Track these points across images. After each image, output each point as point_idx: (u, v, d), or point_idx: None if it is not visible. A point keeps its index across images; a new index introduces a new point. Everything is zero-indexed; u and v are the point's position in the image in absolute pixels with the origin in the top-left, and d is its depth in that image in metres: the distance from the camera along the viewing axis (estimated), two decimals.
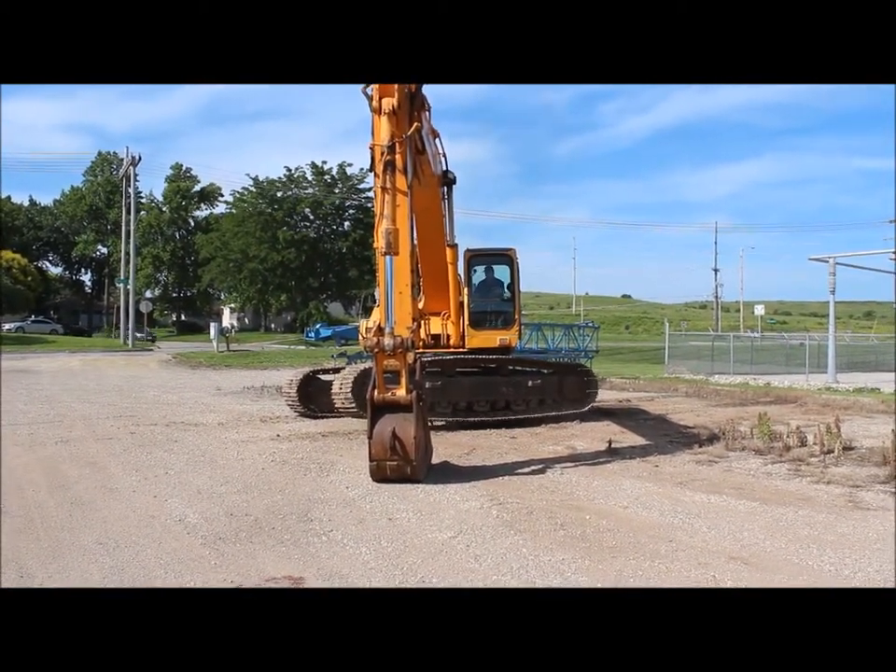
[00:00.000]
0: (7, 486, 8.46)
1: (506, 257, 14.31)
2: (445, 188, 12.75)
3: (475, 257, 14.16)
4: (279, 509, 7.49)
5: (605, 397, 16.79)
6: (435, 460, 10.04)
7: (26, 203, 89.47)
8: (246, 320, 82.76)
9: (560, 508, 7.62)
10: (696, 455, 10.74)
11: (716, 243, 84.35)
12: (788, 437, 11.50)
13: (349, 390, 12.09)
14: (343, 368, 15.71)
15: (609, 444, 11.19)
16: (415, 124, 9.08)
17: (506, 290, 14.36)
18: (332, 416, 13.60)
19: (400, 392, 8.57)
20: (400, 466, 8.39)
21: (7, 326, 60.92)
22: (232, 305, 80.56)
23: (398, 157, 8.80)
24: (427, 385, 10.43)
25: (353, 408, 12.11)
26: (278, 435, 12.22)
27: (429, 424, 9.64)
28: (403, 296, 8.83)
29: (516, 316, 14.04)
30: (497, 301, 14.27)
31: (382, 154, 8.73)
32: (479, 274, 14.43)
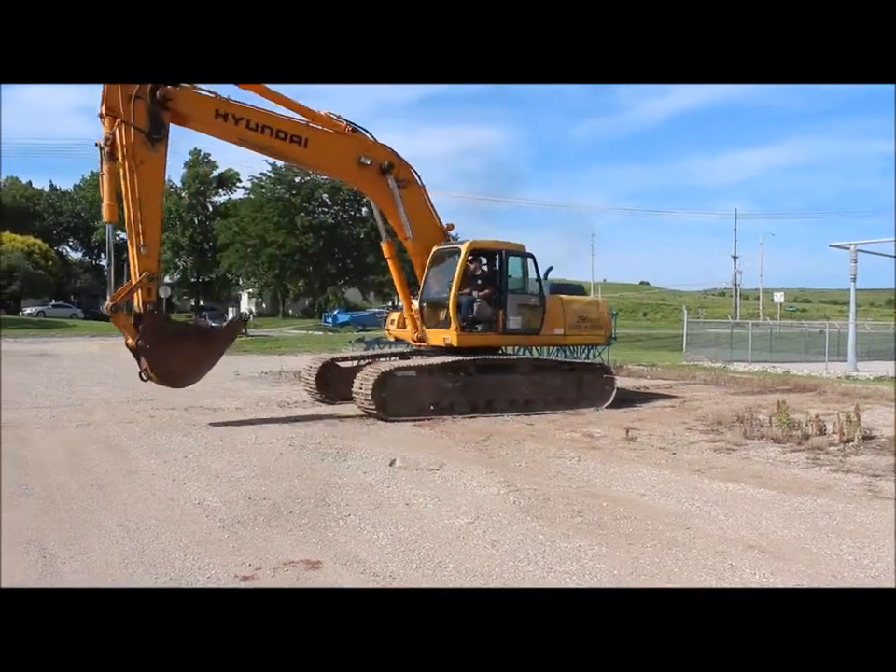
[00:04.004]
0: (31, 468, 8.57)
1: (457, 251, 13.77)
2: (390, 179, 13.44)
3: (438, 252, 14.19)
4: (297, 493, 7.54)
5: (623, 384, 16.72)
6: (453, 445, 10.11)
7: (47, 189, 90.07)
8: (264, 305, 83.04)
9: (577, 495, 7.62)
10: (714, 443, 10.70)
11: (735, 230, 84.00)
12: (807, 425, 11.44)
13: (369, 392, 12.06)
14: (362, 355, 15.77)
15: (627, 432, 11.18)
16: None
17: (449, 287, 13.60)
18: (350, 402, 13.61)
19: (129, 341, 11.43)
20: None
21: (28, 310, 61.47)
22: (250, 290, 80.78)
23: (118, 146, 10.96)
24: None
25: (373, 409, 12.10)
26: (296, 419, 12.28)
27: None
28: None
29: (450, 314, 13.30)
30: (443, 298, 13.65)
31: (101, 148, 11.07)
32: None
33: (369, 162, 13.24)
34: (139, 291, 11.17)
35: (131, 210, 11.05)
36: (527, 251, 14.40)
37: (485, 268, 14.15)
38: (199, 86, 11.68)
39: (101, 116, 11.12)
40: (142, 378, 11.91)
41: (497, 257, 14.07)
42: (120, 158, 10.95)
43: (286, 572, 5.29)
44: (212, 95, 11.78)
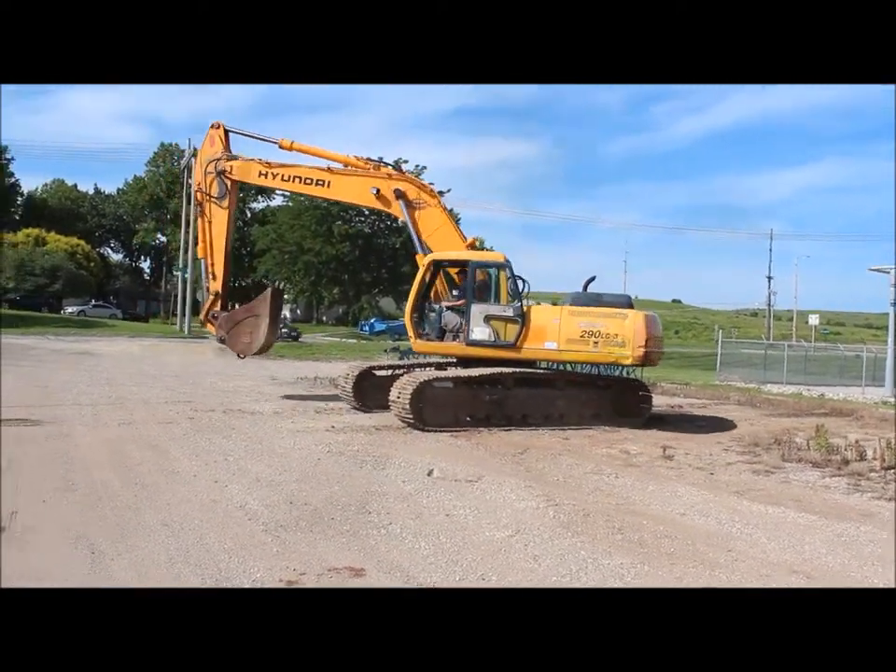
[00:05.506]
0: (76, 464, 8.73)
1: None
2: (401, 204, 15.27)
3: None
4: (337, 499, 7.60)
5: (657, 402, 16.57)
6: (490, 458, 10.13)
7: (91, 192, 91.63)
8: (298, 312, 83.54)
9: (616, 511, 7.60)
10: (752, 465, 10.61)
11: (770, 250, 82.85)
12: (846, 450, 11.29)
13: (407, 401, 12.10)
14: (398, 364, 15.84)
15: (664, 450, 11.11)
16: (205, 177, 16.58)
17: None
18: (385, 411, 13.64)
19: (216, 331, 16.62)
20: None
21: (69, 309, 62.41)
22: (286, 297, 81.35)
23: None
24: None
25: (410, 418, 12.14)
26: (333, 426, 12.35)
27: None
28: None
29: (406, 322, 14.69)
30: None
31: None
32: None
33: (375, 192, 15.49)
34: (210, 304, 16.65)
35: (206, 248, 16.61)
36: (501, 262, 14.17)
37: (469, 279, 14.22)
38: (244, 155, 16.67)
39: (195, 191, 17.87)
40: (240, 357, 17.38)
41: (466, 268, 14.15)
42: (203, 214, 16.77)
43: (330, 578, 5.34)
44: (256, 160, 16.34)
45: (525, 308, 13.74)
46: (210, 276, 16.64)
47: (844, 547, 6.75)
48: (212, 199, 16.37)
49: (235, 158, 16.45)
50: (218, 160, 16.25)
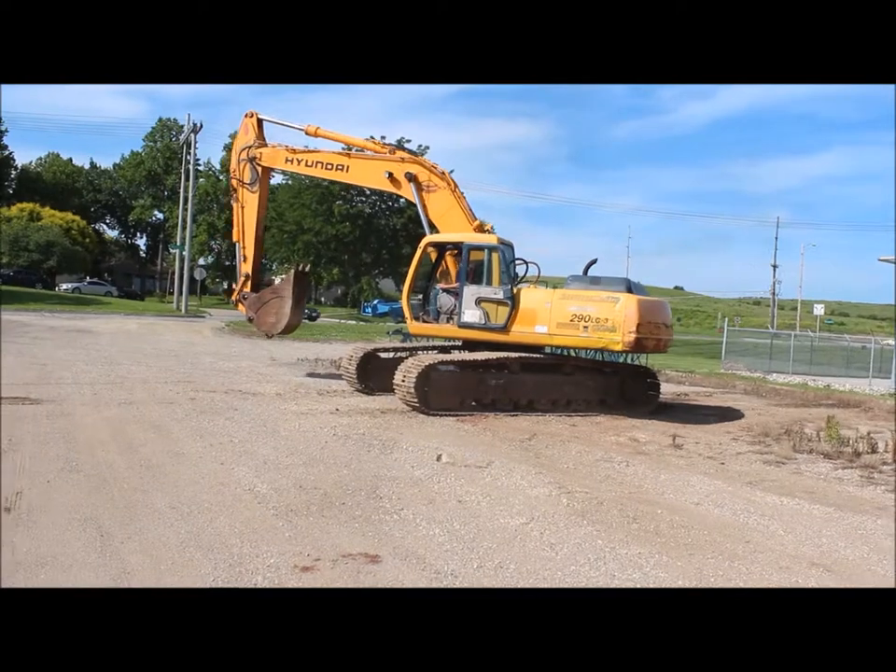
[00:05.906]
0: (79, 445, 8.59)
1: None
2: (413, 187, 15.50)
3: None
4: (347, 484, 7.47)
5: (662, 389, 16.48)
6: (498, 443, 10.00)
7: (87, 166, 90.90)
8: None
9: (630, 500, 7.49)
10: (763, 455, 10.51)
11: (776, 238, 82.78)
12: (857, 442, 11.20)
13: (412, 385, 11.94)
14: (401, 346, 15.71)
15: (673, 439, 11.00)
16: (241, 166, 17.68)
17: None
18: (389, 393, 13.49)
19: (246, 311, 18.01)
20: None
21: (64, 286, 62.06)
22: (284, 276, 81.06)
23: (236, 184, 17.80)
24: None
25: (415, 402, 11.98)
26: (337, 409, 12.21)
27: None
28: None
29: (402, 304, 14.99)
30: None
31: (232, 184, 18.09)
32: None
33: (387, 175, 15.88)
34: (241, 285, 17.95)
35: (240, 232, 17.89)
36: (494, 244, 13.98)
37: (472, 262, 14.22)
38: (277, 143, 17.67)
39: (230, 178, 18.62)
40: (267, 336, 18.59)
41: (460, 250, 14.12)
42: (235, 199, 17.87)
43: (345, 564, 5.21)
44: (282, 147, 17.31)
45: (514, 291, 13.57)
46: (242, 259, 17.99)
47: (862, 540, 6.65)
48: (244, 185, 17.59)
49: (265, 145, 17.51)
50: (250, 147, 17.41)
